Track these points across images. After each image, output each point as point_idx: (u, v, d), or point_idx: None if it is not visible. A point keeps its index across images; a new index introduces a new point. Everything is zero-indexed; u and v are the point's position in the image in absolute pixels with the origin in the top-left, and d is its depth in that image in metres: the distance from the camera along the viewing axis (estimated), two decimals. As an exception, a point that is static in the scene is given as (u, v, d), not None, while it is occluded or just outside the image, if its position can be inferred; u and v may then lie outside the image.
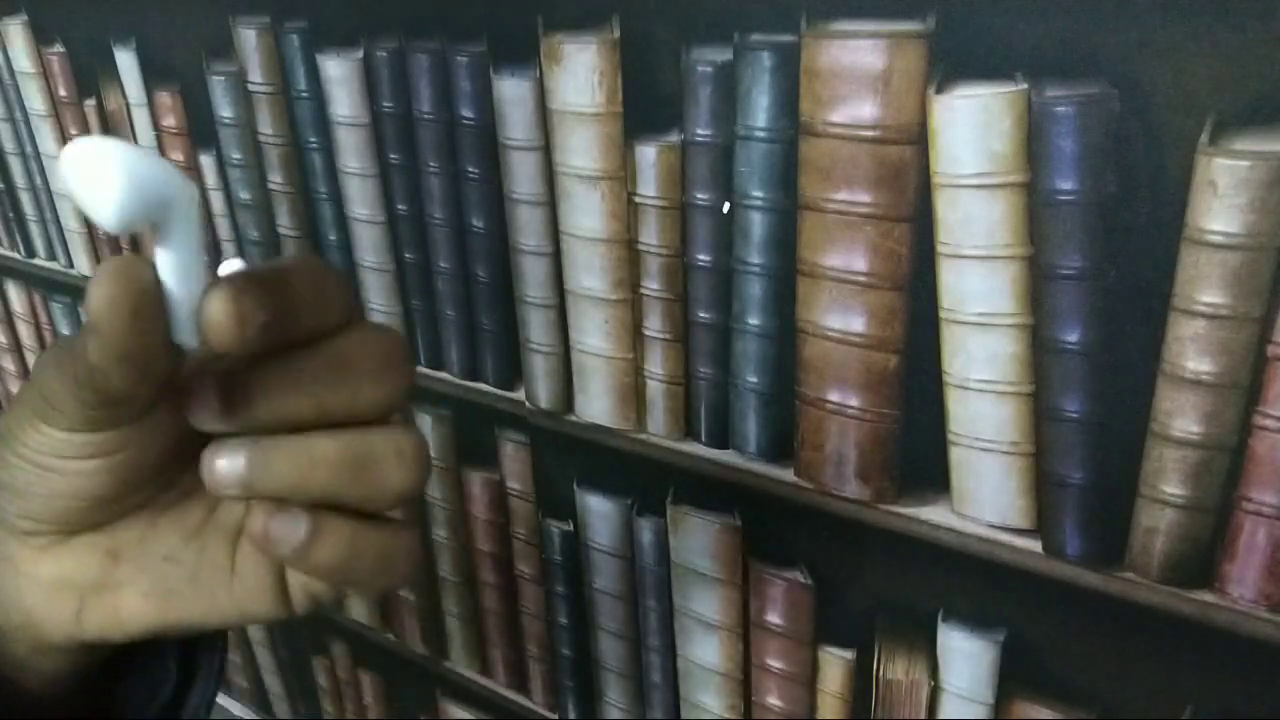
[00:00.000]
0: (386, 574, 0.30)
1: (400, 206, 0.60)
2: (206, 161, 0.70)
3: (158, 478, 0.30)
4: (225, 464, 0.27)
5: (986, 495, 0.44)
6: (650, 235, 0.50)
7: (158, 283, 0.25)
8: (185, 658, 0.36)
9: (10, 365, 1.03)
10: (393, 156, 0.59)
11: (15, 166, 0.86)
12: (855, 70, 0.40)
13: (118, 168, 0.24)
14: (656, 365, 0.53)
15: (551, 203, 0.53)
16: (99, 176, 0.24)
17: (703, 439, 0.53)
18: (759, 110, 0.44)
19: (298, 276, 0.27)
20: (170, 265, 0.26)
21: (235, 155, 0.67)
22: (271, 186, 0.66)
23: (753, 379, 0.50)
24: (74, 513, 0.29)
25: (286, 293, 0.26)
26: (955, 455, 0.45)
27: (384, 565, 0.30)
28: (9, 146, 0.85)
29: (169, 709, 0.36)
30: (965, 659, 0.48)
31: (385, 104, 0.57)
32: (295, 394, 0.27)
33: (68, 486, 0.29)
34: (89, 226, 0.83)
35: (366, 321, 0.29)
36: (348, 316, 0.28)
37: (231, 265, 0.28)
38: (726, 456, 0.52)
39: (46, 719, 0.33)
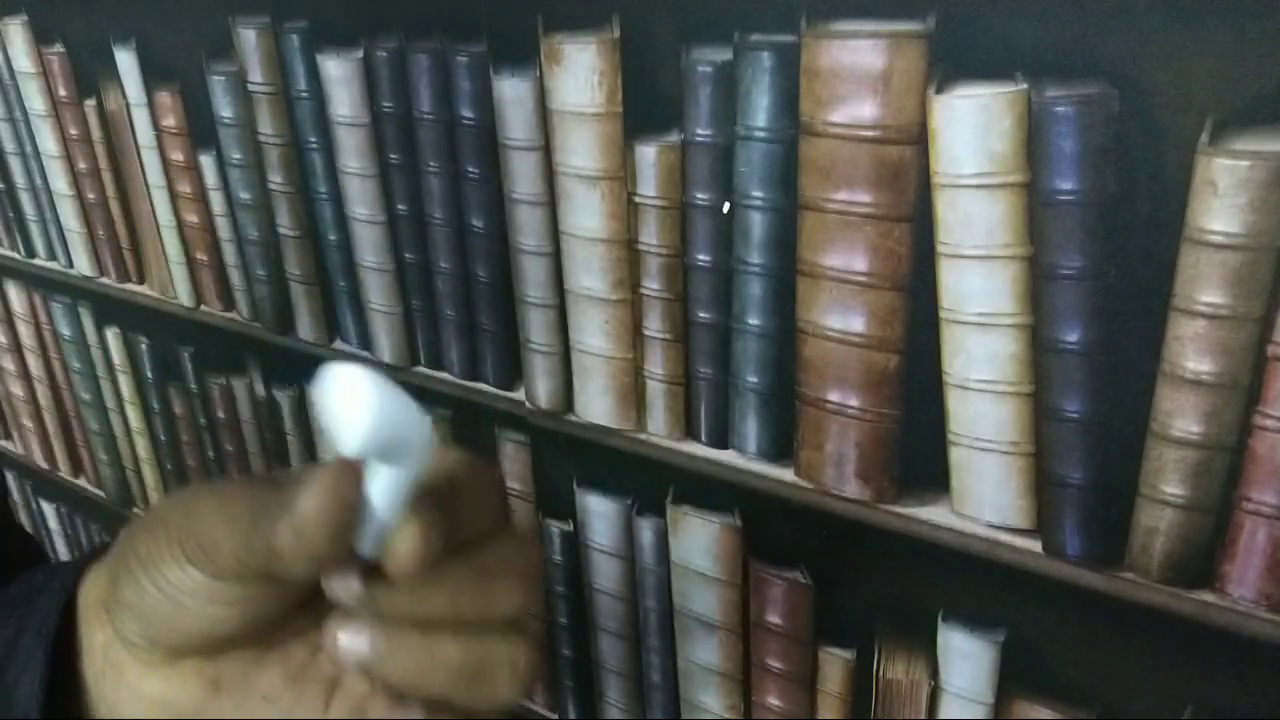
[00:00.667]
0: None
1: (400, 206, 0.60)
2: (206, 161, 0.70)
3: (262, 627, 0.31)
4: (348, 642, 0.29)
5: (986, 495, 0.44)
6: (650, 235, 0.50)
7: (364, 503, 0.27)
8: None
9: (10, 365, 1.03)
10: (393, 156, 0.59)
11: (15, 166, 0.86)
12: (855, 70, 0.40)
13: (375, 404, 0.25)
14: (656, 365, 0.53)
15: (551, 203, 0.53)
16: (355, 406, 0.25)
17: (703, 439, 0.53)
18: (759, 110, 0.44)
19: (466, 490, 0.29)
20: (381, 486, 0.27)
21: (235, 155, 0.67)
22: (271, 186, 0.66)
23: (753, 379, 0.50)
24: (191, 644, 0.30)
25: (459, 515, 0.28)
26: (955, 455, 0.45)
27: None
28: (9, 146, 0.85)
29: None
30: (965, 659, 0.48)
31: (385, 104, 0.57)
32: (435, 593, 0.28)
33: (193, 625, 0.29)
34: (89, 226, 0.83)
35: (511, 531, 0.30)
36: (496, 520, 0.30)
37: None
38: (726, 456, 0.52)
39: None
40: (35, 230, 0.89)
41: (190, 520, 0.29)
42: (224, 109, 0.66)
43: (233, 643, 0.31)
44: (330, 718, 0.31)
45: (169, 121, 0.71)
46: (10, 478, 1.12)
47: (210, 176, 0.70)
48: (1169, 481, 0.40)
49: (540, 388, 0.59)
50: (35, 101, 0.80)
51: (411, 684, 0.29)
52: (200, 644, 0.30)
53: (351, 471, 0.27)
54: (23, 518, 1.15)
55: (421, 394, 0.65)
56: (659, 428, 0.54)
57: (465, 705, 0.29)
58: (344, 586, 0.28)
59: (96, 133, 0.77)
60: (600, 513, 0.60)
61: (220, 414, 0.81)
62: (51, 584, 0.32)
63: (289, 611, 0.31)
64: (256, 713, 0.31)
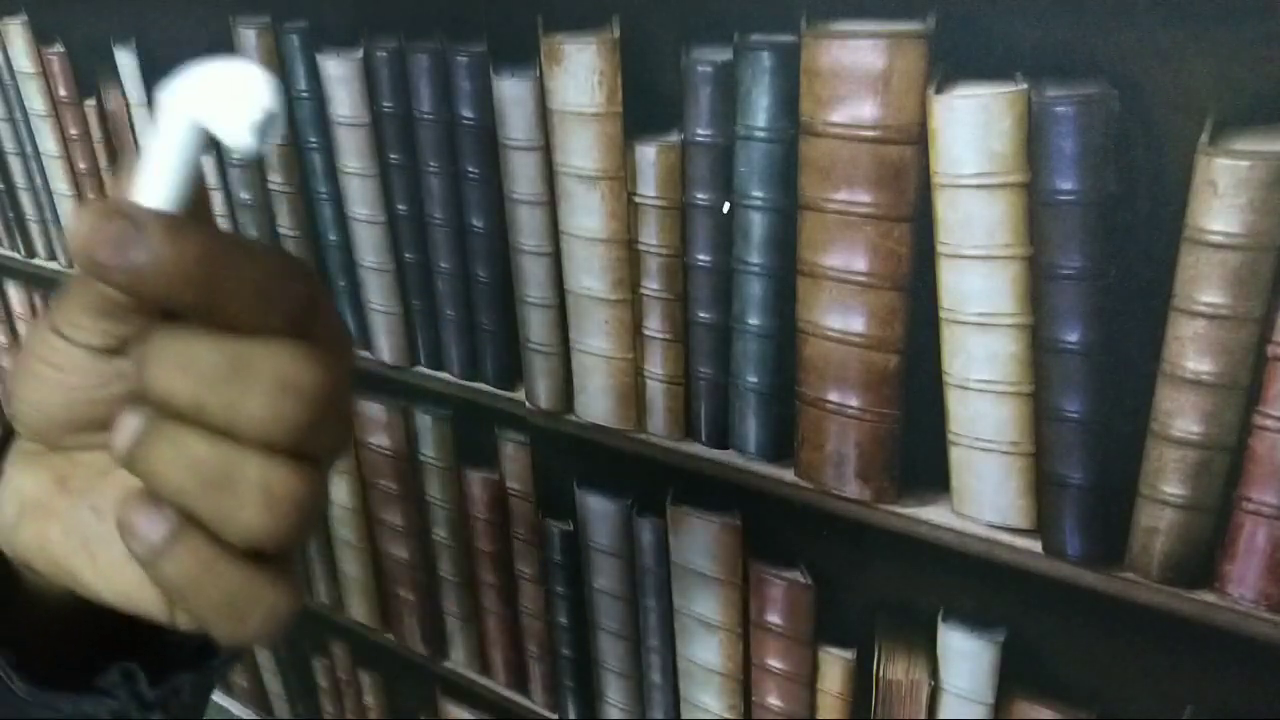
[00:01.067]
0: (234, 620, 0.28)
1: (400, 206, 0.60)
2: (206, 161, 0.70)
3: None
4: (120, 431, 0.27)
5: (986, 495, 0.44)
6: (650, 235, 0.50)
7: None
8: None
9: (10, 365, 1.03)
10: (393, 156, 0.59)
11: (15, 166, 0.86)
12: (855, 70, 0.40)
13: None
14: (656, 365, 0.53)
15: (551, 203, 0.53)
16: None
17: (703, 439, 0.53)
18: (759, 110, 0.44)
19: (233, 251, 0.25)
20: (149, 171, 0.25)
21: (235, 155, 0.67)
22: (271, 186, 0.66)
23: (753, 379, 0.50)
24: (43, 423, 0.30)
25: (186, 249, 0.25)
26: (955, 455, 0.45)
27: (232, 610, 0.28)
28: (9, 146, 0.85)
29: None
30: (965, 659, 0.48)
31: (385, 104, 0.57)
32: (180, 373, 0.26)
33: (44, 394, 0.29)
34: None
35: (291, 340, 0.26)
36: (285, 324, 0.26)
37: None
38: (726, 456, 0.52)
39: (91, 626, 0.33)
40: (35, 230, 0.89)
41: (63, 289, 0.28)
42: (224, 109, 0.66)
43: (92, 443, 0.30)
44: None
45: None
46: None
47: (210, 177, 0.70)
48: (1169, 481, 0.40)
49: (540, 388, 0.59)
50: (35, 101, 0.80)
51: (155, 477, 0.26)
52: (59, 424, 0.30)
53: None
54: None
55: (422, 394, 0.65)
56: (659, 428, 0.54)
57: (210, 517, 0.26)
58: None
59: (96, 133, 0.77)
60: (600, 513, 0.60)
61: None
62: None
63: None
64: (81, 522, 0.30)
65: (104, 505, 0.30)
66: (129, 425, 0.26)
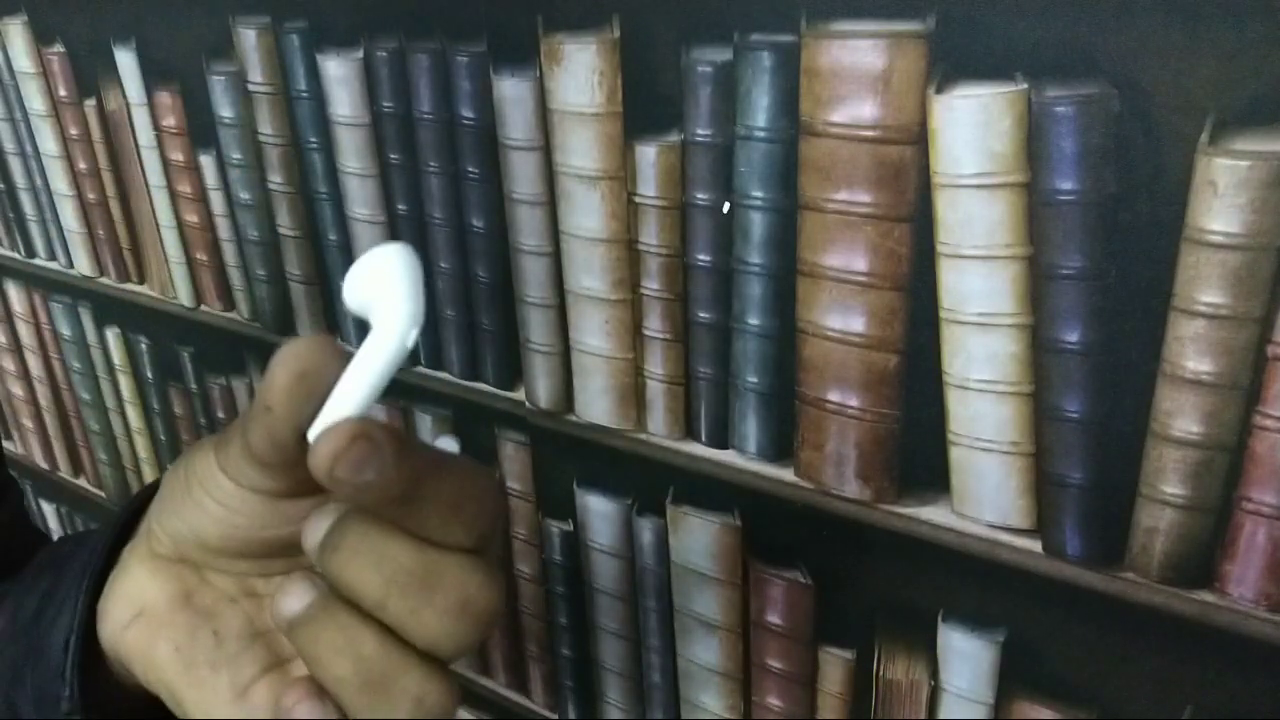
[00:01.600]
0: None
1: (400, 206, 0.60)
2: (206, 161, 0.70)
3: (268, 558, 0.31)
4: (289, 596, 0.28)
5: (986, 495, 0.44)
6: (650, 235, 0.50)
7: (335, 370, 0.27)
8: None
9: (10, 365, 1.03)
10: (393, 156, 0.59)
11: (15, 166, 0.86)
12: (855, 70, 0.40)
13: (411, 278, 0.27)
14: (656, 365, 0.53)
15: (551, 203, 0.53)
16: (395, 281, 0.26)
17: (703, 439, 0.53)
18: (759, 110, 0.44)
19: (445, 469, 0.27)
20: (355, 379, 0.27)
21: (235, 155, 0.67)
22: (271, 186, 0.66)
23: (753, 379, 0.50)
24: (191, 542, 0.31)
25: (408, 469, 0.26)
26: (955, 455, 0.45)
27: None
28: (9, 146, 0.85)
29: None
30: (965, 659, 0.48)
31: (385, 104, 0.57)
32: (372, 568, 0.27)
33: (213, 528, 0.30)
34: (89, 226, 0.83)
35: (479, 560, 0.28)
36: (475, 542, 0.28)
37: (445, 442, 0.28)
38: (726, 456, 0.52)
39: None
40: (35, 230, 0.89)
41: (231, 425, 0.30)
42: (224, 109, 0.66)
43: (227, 568, 0.31)
44: (255, 686, 0.30)
45: (169, 121, 0.71)
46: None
47: (210, 176, 0.70)
48: (1169, 481, 0.40)
49: (540, 388, 0.59)
50: (35, 101, 0.80)
51: (319, 660, 0.28)
52: (208, 549, 0.31)
53: (320, 343, 0.27)
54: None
55: (422, 394, 0.65)
56: (659, 428, 0.54)
57: (360, 714, 0.28)
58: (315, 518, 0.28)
59: (96, 133, 0.77)
60: (600, 513, 0.60)
61: (220, 414, 0.81)
62: (89, 538, 0.33)
63: (284, 572, 0.31)
64: (200, 642, 0.31)
65: (225, 632, 0.31)
66: (300, 595, 0.28)
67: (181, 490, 0.30)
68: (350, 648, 0.27)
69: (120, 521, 0.33)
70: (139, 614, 0.31)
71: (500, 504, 0.30)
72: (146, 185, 0.75)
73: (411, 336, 0.26)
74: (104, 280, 0.85)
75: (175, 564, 0.31)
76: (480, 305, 0.59)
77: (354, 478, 0.25)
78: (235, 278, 0.73)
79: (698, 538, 0.56)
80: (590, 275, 0.53)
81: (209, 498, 0.30)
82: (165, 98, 0.70)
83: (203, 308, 0.77)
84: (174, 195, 0.74)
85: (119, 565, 0.32)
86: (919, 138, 0.40)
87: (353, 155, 0.60)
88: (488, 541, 0.29)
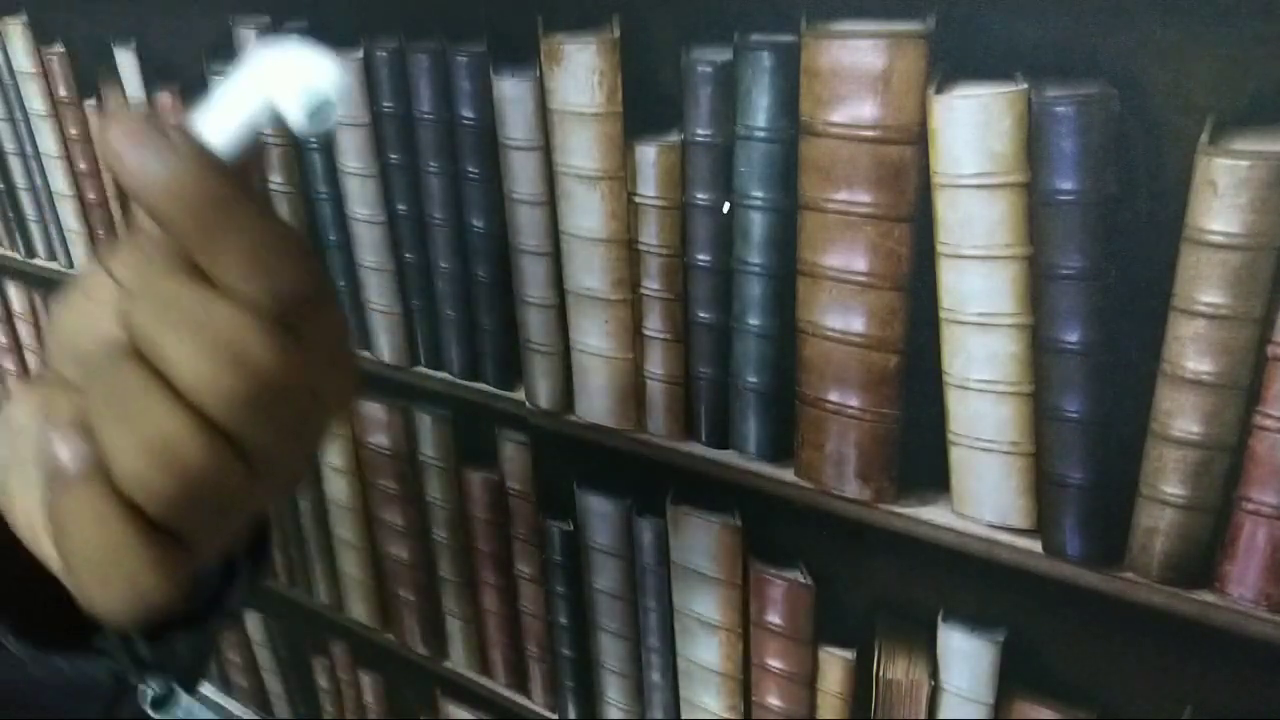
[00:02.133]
0: (100, 580, 0.27)
1: (400, 206, 0.60)
2: (206, 161, 0.70)
3: None
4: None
5: (986, 495, 0.44)
6: (650, 235, 0.50)
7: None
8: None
9: (10, 365, 1.03)
10: (393, 156, 0.59)
11: (15, 166, 0.86)
12: (855, 70, 0.40)
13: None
14: (656, 365, 0.53)
15: (551, 203, 0.53)
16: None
17: (703, 439, 0.53)
18: (759, 110, 0.44)
19: (259, 222, 0.25)
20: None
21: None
22: (271, 186, 0.66)
23: (753, 379, 0.50)
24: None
25: (207, 187, 0.25)
26: (955, 455, 0.45)
27: (102, 567, 0.27)
28: (9, 146, 0.85)
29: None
30: (965, 659, 0.48)
31: (385, 104, 0.57)
32: (142, 287, 0.26)
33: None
34: (89, 226, 0.83)
35: (272, 326, 0.25)
36: (279, 312, 0.26)
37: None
38: (726, 456, 0.52)
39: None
40: (35, 230, 0.89)
41: None
42: (224, 109, 0.66)
43: None
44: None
45: (169, 122, 0.70)
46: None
47: (210, 176, 0.70)
48: (1169, 481, 0.40)
49: (540, 388, 0.59)
50: (35, 101, 0.80)
51: (79, 360, 0.27)
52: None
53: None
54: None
55: (422, 394, 0.65)
56: (659, 428, 0.54)
57: (106, 446, 0.25)
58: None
59: (96, 133, 0.77)
60: (600, 513, 0.60)
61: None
62: None
63: None
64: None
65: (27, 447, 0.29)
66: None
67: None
68: (115, 373, 0.25)
69: None
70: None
71: (313, 282, 0.26)
72: (146, 185, 0.75)
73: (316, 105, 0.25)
74: (104, 280, 0.85)
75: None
76: (480, 305, 0.59)
77: (136, 161, 0.24)
78: (235, 278, 0.73)
79: (698, 538, 0.56)
80: (590, 275, 0.53)
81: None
82: (165, 98, 0.70)
83: (203, 308, 0.77)
84: (174, 195, 0.74)
85: None
86: (919, 138, 0.40)
87: (353, 155, 0.60)
88: (291, 314, 0.26)
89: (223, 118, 0.26)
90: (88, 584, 0.27)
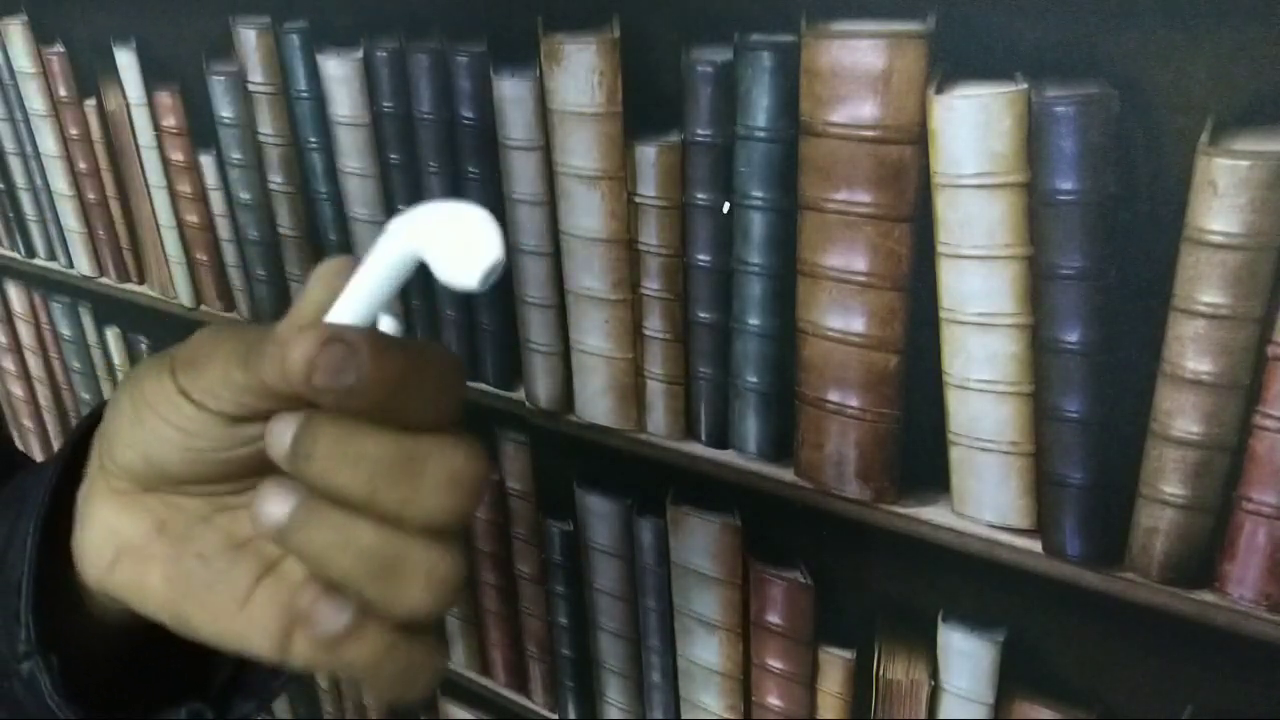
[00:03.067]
0: (405, 688, 0.30)
1: (400, 206, 0.60)
2: (206, 161, 0.70)
3: (232, 479, 0.31)
4: (269, 505, 0.28)
5: (986, 495, 0.44)
6: (650, 235, 0.50)
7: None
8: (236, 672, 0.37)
9: (10, 365, 1.03)
10: (393, 156, 0.59)
11: (15, 166, 0.86)
12: (855, 70, 0.40)
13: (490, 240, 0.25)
14: (656, 365, 0.53)
15: (551, 203, 0.53)
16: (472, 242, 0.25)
17: (703, 439, 0.53)
18: (759, 110, 0.44)
19: (418, 361, 0.27)
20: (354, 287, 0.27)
21: (235, 155, 0.67)
22: (271, 186, 0.66)
23: (753, 379, 0.50)
24: (150, 473, 0.30)
25: (387, 368, 0.26)
26: (955, 455, 0.45)
27: (406, 680, 0.29)
28: (9, 146, 0.85)
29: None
30: (965, 659, 0.48)
31: (385, 104, 0.57)
32: (353, 469, 0.27)
33: (169, 455, 0.30)
34: (89, 226, 0.83)
35: (456, 436, 0.28)
36: (446, 420, 0.28)
37: (384, 322, 0.28)
38: (726, 456, 0.52)
39: (137, 654, 0.34)
40: (35, 230, 0.89)
41: (188, 349, 0.29)
42: (224, 109, 0.66)
43: (193, 490, 0.31)
44: (255, 593, 0.30)
45: (169, 121, 0.71)
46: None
47: (210, 176, 0.70)
48: (1169, 481, 0.40)
49: (540, 388, 0.59)
50: (35, 101, 0.80)
51: (321, 561, 0.28)
52: (169, 477, 0.30)
53: (345, 265, 0.27)
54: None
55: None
56: (659, 428, 0.54)
57: (377, 600, 0.28)
58: (277, 433, 0.27)
59: (96, 133, 0.77)
60: (600, 513, 0.60)
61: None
62: (48, 468, 0.32)
63: (249, 483, 0.30)
64: (187, 569, 0.31)
65: (209, 551, 0.31)
66: (280, 502, 0.28)
67: (131, 420, 0.30)
68: (348, 544, 0.27)
69: (66, 456, 0.32)
70: (118, 554, 0.31)
71: (463, 374, 0.29)
72: (146, 185, 0.75)
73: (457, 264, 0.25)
74: (104, 280, 0.85)
75: (139, 496, 0.31)
76: (480, 305, 0.59)
77: (333, 383, 0.25)
78: (235, 277, 0.73)
79: (698, 538, 0.56)
80: (590, 275, 0.53)
81: (165, 423, 0.29)
82: (165, 98, 0.70)
83: (203, 308, 0.77)
84: (174, 195, 0.74)
85: (85, 509, 0.32)
86: (919, 138, 0.40)
87: (353, 155, 0.60)
88: (458, 414, 0.28)
89: (376, 289, 0.27)
90: (392, 694, 0.30)
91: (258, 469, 0.30)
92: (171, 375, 0.29)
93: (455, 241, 0.25)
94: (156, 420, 0.29)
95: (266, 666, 0.35)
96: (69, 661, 0.32)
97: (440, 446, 0.27)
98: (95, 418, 0.32)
